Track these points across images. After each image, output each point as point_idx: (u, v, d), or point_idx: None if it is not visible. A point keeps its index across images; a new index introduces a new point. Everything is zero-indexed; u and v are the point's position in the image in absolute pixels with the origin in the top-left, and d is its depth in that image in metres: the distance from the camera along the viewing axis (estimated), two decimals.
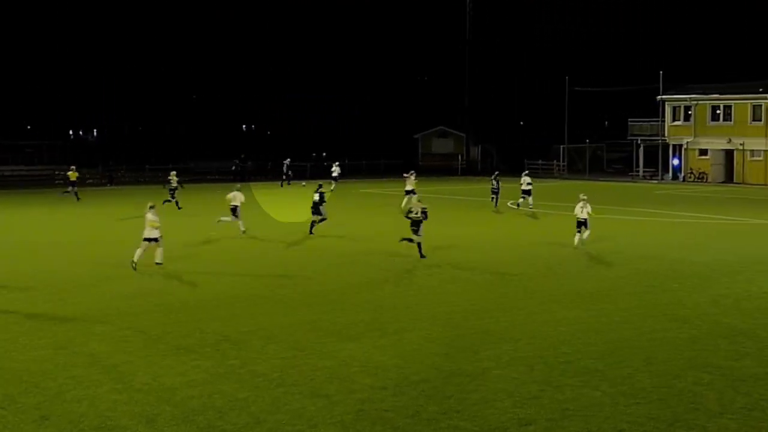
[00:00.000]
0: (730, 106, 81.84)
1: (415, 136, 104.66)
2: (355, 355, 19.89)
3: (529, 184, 52.43)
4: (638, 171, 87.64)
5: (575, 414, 16.07)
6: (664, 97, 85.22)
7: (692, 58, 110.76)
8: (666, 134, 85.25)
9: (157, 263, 31.32)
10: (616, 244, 38.17)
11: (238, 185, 43.36)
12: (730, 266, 32.15)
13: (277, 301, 26.00)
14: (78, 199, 60.19)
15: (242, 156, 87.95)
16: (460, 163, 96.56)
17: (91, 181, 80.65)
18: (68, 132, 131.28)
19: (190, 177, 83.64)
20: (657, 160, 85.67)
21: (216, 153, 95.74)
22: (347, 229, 43.61)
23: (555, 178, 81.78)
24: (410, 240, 34.20)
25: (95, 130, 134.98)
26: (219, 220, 41.60)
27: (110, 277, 30.08)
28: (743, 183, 78.89)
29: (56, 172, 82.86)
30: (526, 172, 55.75)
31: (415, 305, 25.32)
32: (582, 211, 36.33)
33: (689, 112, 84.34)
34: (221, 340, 21.28)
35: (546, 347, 20.62)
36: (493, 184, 54.40)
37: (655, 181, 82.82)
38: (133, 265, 30.90)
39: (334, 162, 75.59)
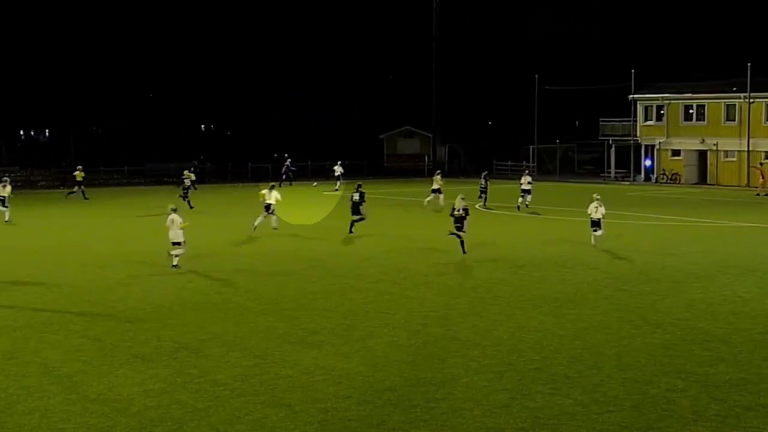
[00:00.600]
0: (703, 106, 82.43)
1: (381, 137, 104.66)
2: (318, 363, 19.87)
3: (529, 183, 54.93)
4: (610, 172, 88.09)
5: (546, 423, 16.13)
6: (635, 96, 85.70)
7: (665, 57, 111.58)
8: (638, 134, 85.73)
9: (173, 265, 32.54)
10: (588, 247, 38.34)
11: (271, 184, 44.97)
12: (704, 270, 32.38)
13: (240, 307, 25.91)
14: (86, 198, 62.02)
15: (201, 157, 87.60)
16: (426, 163, 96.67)
17: (43, 183, 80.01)
18: (19, 132, 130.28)
19: (146, 179, 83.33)
20: (629, 160, 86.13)
21: (173, 154, 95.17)
22: (326, 232, 43.61)
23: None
24: (457, 235, 36.06)
25: (47, 131, 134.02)
26: (255, 227, 42.43)
27: (72, 283, 29.87)
28: (717, 184, 79.48)
29: (5, 175, 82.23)
30: (527, 171, 58.47)
31: (382, 310, 25.31)
32: (596, 210, 38.05)
33: (662, 112, 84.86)
34: (179, 348, 21.19)
35: (515, 353, 20.68)
36: (482, 183, 56.39)
37: (627, 183, 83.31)
38: (174, 263, 32.48)
39: (336, 162, 77.54)
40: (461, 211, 36.03)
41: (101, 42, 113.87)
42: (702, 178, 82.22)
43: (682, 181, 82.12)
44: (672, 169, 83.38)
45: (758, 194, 68.29)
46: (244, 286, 29.38)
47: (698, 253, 36.55)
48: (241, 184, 79.82)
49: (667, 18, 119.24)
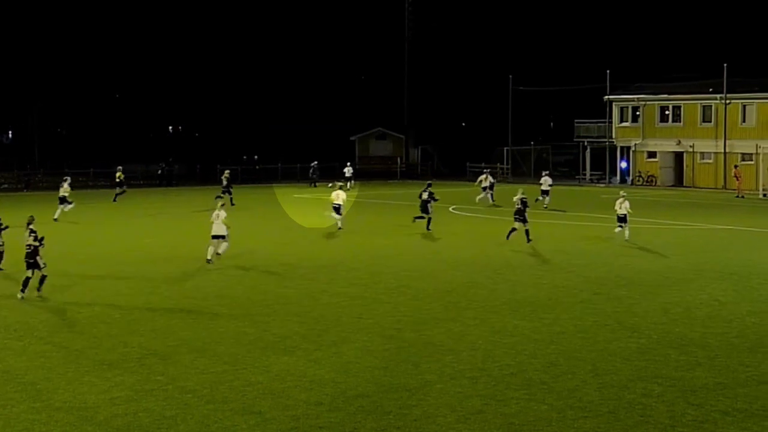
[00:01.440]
0: (679, 107, 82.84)
1: (352, 138, 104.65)
2: (289, 369, 19.84)
3: (550, 185, 59.11)
4: (585, 174, 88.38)
5: (521, 429, 16.18)
6: (611, 97, 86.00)
7: (640, 57, 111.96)
8: (613, 136, 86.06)
9: (217, 253, 34.48)
10: (564, 250, 38.48)
11: (340, 184, 47.80)
12: (681, 273, 32.55)
13: (210, 312, 25.83)
14: (121, 194, 63.52)
15: (170, 159, 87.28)
16: (399, 166, 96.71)
17: (6, 186, 79.50)
18: None
19: (112, 181, 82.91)
20: (604, 162, 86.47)
21: (141, 156, 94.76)
22: (294, 235, 43.59)
23: (498, 181, 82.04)
24: (514, 228, 40.20)
25: (10, 132, 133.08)
26: (330, 215, 44.92)
27: (33, 288, 29.64)
28: (693, 186, 79.89)
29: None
30: (547, 172, 61.80)
31: (355, 315, 25.30)
32: (620, 207, 41.29)
33: (637, 113, 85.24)
34: (147, 355, 21.10)
35: (490, 359, 20.72)
36: (489, 181, 61.14)
37: (603, 185, 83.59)
38: (209, 261, 34.23)
39: (347, 162, 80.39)
40: (519, 204, 40.24)
41: (66, 42, 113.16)
42: (678, 180, 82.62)
43: (658, 183, 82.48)
44: (648, 171, 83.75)
45: (739, 196, 68.87)
46: (213, 290, 29.28)
47: (674, 257, 36.74)
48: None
49: (642, 18, 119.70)
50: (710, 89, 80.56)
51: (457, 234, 45.04)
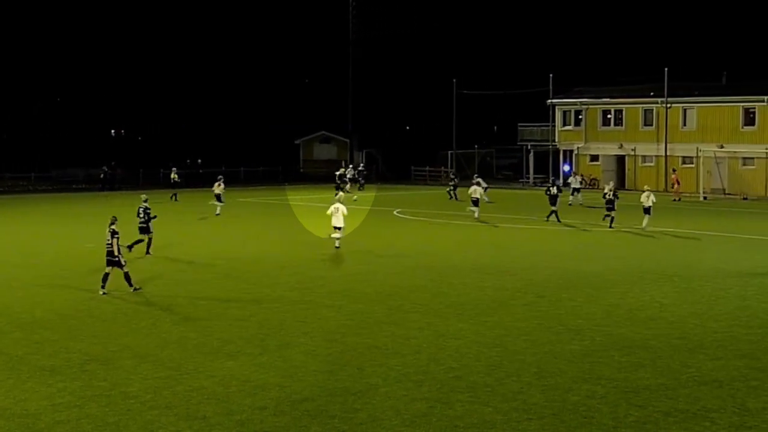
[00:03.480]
0: (621, 111, 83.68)
1: (296, 142, 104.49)
2: (233, 374, 19.76)
3: (580, 183, 65.87)
4: (528, 177, 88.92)
5: (466, 431, 16.24)
6: (554, 101, 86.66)
7: (583, 61, 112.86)
8: (556, 139, 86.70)
9: (336, 247, 38.70)
10: (508, 253, 38.69)
11: (477, 178, 55.70)
12: (623, 276, 32.84)
13: (152, 317, 25.66)
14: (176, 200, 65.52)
15: (112, 163, 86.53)
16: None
17: None
18: None
19: (54, 186, 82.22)
20: (548, 166, 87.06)
21: (81, 160, 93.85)
22: (254, 241, 43.38)
23: (442, 185, 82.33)
24: (608, 215, 47.39)
25: None
26: (469, 209, 52.33)
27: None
28: (635, 189, 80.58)
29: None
30: (573, 170, 68.47)
31: (298, 319, 25.25)
32: (648, 199, 46.50)
33: (580, 117, 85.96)
34: (89, 360, 20.92)
35: (435, 362, 20.77)
36: (455, 181, 68.32)
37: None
38: (337, 247, 38.53)
39: (344, 163, 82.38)
40: (611, 194, 47.21)
41: (5, 43, 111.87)
42: (620, 183, 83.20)
43: (601, 186, 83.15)
44: (590, 175, 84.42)
45: (675, 199, 69.74)
46: (156, 294, 29.09)
47: (616, 259, 37.06)
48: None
49: (585, 22, 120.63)
50: (651, 93, 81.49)
51: (401, 237, 45.12)
